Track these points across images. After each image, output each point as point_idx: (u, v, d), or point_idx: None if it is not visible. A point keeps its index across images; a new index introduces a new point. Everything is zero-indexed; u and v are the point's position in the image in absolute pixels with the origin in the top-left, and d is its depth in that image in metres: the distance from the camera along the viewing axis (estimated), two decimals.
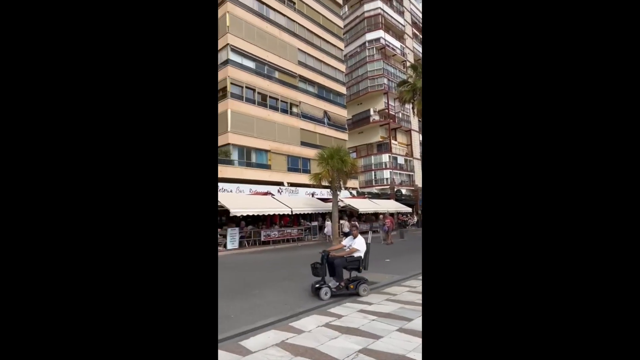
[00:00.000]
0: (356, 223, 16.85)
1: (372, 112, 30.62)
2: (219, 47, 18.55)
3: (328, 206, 17.17)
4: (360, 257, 5.29)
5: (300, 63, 21.64)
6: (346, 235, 12.09)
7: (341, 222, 16.67)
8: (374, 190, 27.87)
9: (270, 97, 19.59)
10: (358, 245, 5.37)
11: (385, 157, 29.54)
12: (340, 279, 5.14)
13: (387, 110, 29.92)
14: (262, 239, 14.50)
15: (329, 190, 17.21)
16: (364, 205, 20.35)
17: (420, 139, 30.87)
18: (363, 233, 5.96)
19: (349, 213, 20.31)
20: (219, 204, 13.10)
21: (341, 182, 15.96)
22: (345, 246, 5.59)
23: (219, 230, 13.57)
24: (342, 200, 18.46)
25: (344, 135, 24.20)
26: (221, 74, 18.28)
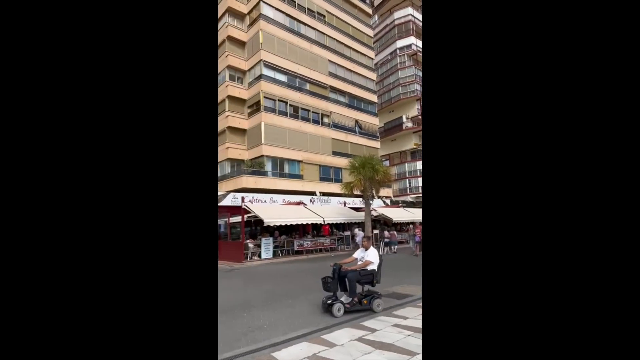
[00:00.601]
0: (394, 232, 16.46)
1: (404, 119, 30.07)
2: (253, 64, 19.38)
3: (360, 215, 16.96)
4: (374, 270, 4.94)
5: (331, 74, 21.92)
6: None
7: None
8: (409, 198, 27.12)
9: (302, 108, 19.99)
10: (372, 257, 5.00)
11: (419, 165, 28.72)
12: (353, 294, 4.79)
13: (420, 117, 29.22)
14: (296, 248, 14.61)
15: (361, 199, 17.03)
16: (398, 215, 19.83)
17: None
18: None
19: (382, 222, 19.90)
20: (253, 214, 13.46)
21: (373, 191, 15.73)
22: (357, 259, 5.23)
23: (254, 240, 13.90)
24: (375, 210, 18.15)
25: (375, 144, 23.96)
26: (255, 89, 19.03)
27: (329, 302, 4.77)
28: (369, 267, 4.94)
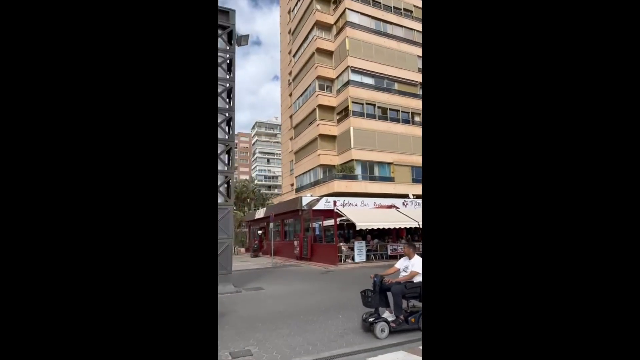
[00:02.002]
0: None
1: None
2: (341, 71, 19.89)
3: None
4: (421, 282, 4.14)
5: (420, 70, 20.80)
6: None
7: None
8: None
9: (390, 109, 19.53)
10: (418, 267, 4.23)
11: None
12: (399, 310, 4.08)
13: None
14: (389, 252, 14.25)
15: None
16: None
17: None
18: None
19: None
20: (345, 218, 13.72)
21: None
22: (400, 269, 4.49)
23: (347, 244, 14.15)
24: None
25: None
26: (343, 95, 19.47)
27: (370, 320, 4.06)
28: (415, 279, 4.21)
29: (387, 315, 4.18)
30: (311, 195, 16.23)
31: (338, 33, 20.77)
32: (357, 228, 13.24)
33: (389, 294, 4.21)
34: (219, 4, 9.56)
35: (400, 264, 4.58)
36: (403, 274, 4.39)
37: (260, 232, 22.19)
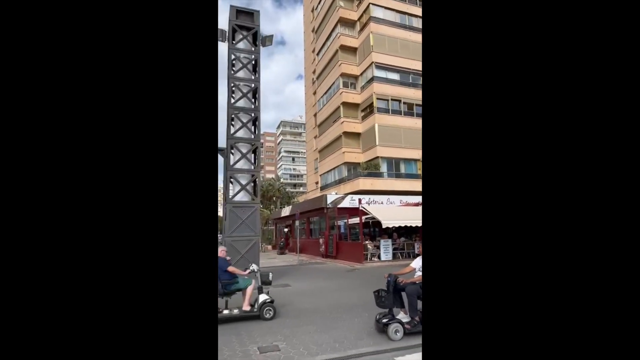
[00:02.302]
0: None
1: None
2: (365, 67, 19.66)
3: None
4: None
5: None
6: None
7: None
8: None
9: (416, 104, 19.05)
10: None
11: None
12: (414, 312, 3.97)
13: None
14: (416, 251, 13.95)
15: None
16: None
17: None
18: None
19: None
20: (371, 216, 13.59)
21: None
22: (415, 269, 4.35)
23: (373, 242, 14.01)
24: None
25: None
26: (367, 92, 19.24)
27: (384, 321, 3.98)
28: None
29: (402, 316, 4.08)
30: (336, 193, 16.22)
31: (362, 29, 20.53)
32: (383, 226, 13.06)
33: (404, 294, 4.10)
34: (244, 6, 9.76)
35: (416, 263, 4.43)
36: (418, 273, 4.23)
37: (286, 229, 22.51)
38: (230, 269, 4.98)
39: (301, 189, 54.23)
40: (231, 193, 9.00)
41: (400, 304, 4.12)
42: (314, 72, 26.67)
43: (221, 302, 4.97)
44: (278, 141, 74.96)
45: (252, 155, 9.33)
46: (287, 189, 41.16)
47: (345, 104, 20.32)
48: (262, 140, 13.38)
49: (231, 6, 9.48)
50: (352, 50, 21.11)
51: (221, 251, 5.29)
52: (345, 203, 14.84)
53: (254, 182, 9.34)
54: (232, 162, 9.00)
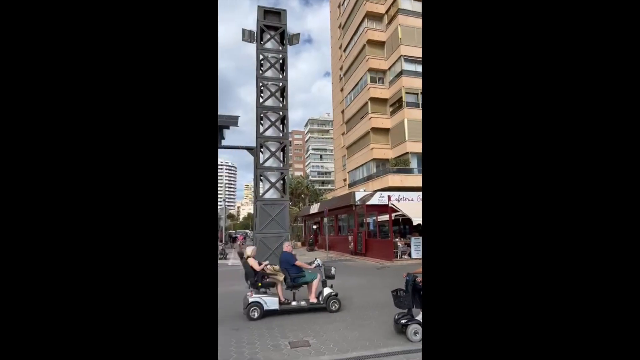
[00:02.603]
0: None
1: None
2: (393, 61, 19.22)
3: None
4: None
5: None
6: None
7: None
8: None
9: None
10: None
11: None
12: None
13: None
14: None
15: None
16: None
17: None
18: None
19: None
20: (401, 213, 13.32)
21: None
22: None
23: (403, 239, 13.73)
24: None
25: None
26: (396, 86, 18.80)
27: (403, 321, 3.88)
28: None
29: (421, 317, 3.90)
30: (364, 190, 16.05)
31: (390, 22, 20.06)
32: (414, 223, 12.75)
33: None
34: (271, 6, 9.88)
35: None
36: None
37: (315, 226, 22.66)
38: (298, 263, 5.23)
39: (329, 187, 54.31)
40: (261, 191, 9.19)
41: (419, 304, 3.93)
42: (340, 68, 26.50)
43: (289, 294, 5.26)
44: (306, 139, 75.50)
45: (281, 153, 9.46)
46: (315, 187, 41.39)
47: (373, 99, 20.01)
48: (290, 139, 13.51)
49: (259, 6, 9.64)
50: (380, 44, 20.71)
51: (287, 246, 5.60)
52: (374, 200, 14.65)
53: (283, 179, 9.47)
54: (261, 161, 9.18)
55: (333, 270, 5.41)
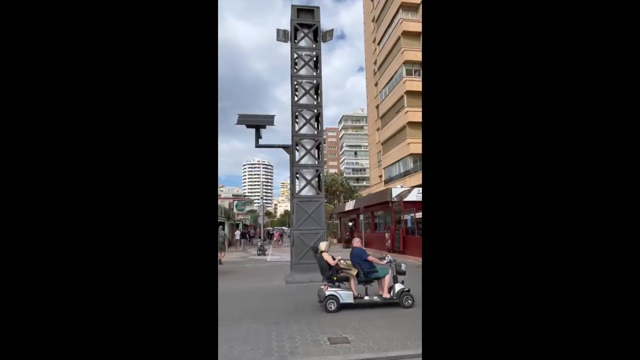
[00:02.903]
0: None
1: None
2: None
3: None
4: None
5: None
6: None
7: None
8: None
9: None
10: None
11: None
12: None
13: None
14: None
15: None
16: None
17: None
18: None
19: None
20: None
21: None
22: None
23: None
24: None
25: None
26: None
27: None
28: None
29: None
30: (401, 187, 15.65)
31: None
32: None
33: None
34: (305, 3, 9.94)
35: None
36: None
37: (350, 223, 22.57)
38: (370, 258, 5.37)
39: (364, 183, 53.75)
40: (297, 188, 9.33)
41: None
42: (374, 62, 26.00)
43: (361, 288, 5.38)
44: (340, 136, 75.28)
45: (316, 150, 9.52)
46: (350, 183, 41.17)
47: (409, 92, 19.41)
48: (324, 136, 13.56)
49: (292, 5, 9.73)
50: (416, 35, 19.98)
51: (357, 242, 5.77)
52: (412, 196, 14.23)
53: (318, 177, 9.53)
54: (297, 158, 9.30)
55: (404, 267, 5.43)
